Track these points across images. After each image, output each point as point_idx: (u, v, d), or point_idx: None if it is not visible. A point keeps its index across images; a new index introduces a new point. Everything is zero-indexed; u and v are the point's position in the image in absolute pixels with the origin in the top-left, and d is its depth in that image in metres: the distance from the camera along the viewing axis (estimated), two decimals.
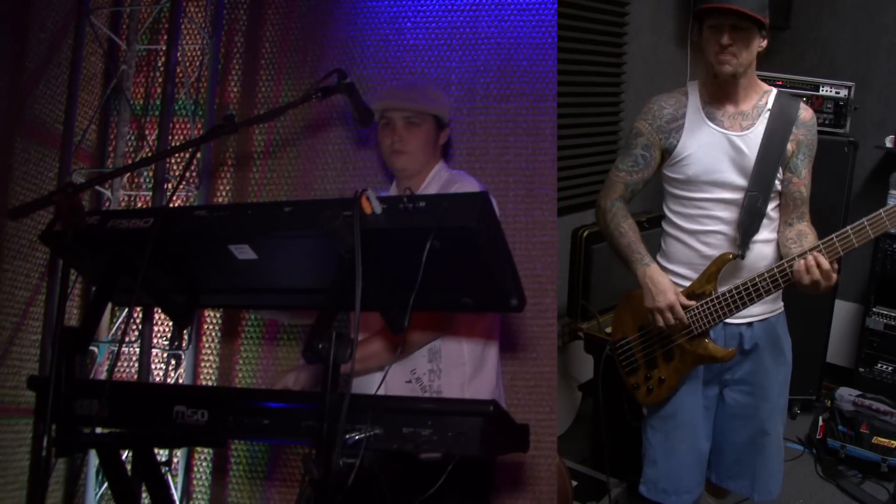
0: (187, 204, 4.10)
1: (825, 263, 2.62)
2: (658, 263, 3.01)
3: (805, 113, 2.88)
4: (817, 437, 4.59)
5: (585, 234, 3.97)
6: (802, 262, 2.65)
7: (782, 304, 3.05)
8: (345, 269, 2.16)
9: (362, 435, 2.15)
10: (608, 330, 3.78)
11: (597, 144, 4.66)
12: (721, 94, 2.88)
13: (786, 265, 2.71)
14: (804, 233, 2.90)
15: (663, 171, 3.00)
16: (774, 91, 2.92)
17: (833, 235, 2.66)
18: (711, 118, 2.87)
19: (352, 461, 2.07)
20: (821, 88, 4.69)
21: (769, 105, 2.85)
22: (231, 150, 4.32)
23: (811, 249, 2.67)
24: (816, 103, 4.67)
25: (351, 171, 4.14)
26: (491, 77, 4.08)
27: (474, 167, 4.00)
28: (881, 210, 2.65)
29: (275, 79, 4.34)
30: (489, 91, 4.08)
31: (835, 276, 2.66)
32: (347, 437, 2.12)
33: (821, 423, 4.61)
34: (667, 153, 2.93)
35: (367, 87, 4.09)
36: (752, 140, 2.84)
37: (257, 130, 4.30)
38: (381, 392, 3.15)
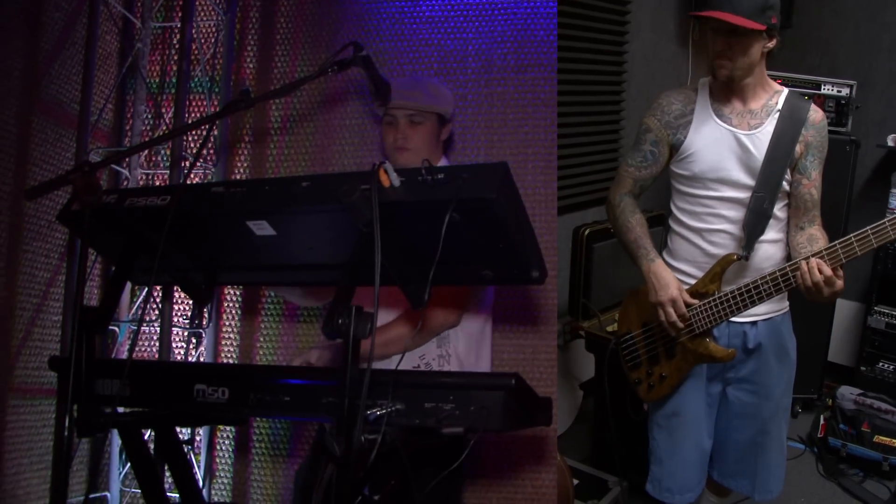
0: (205, 181, 4.07)
1: (827, 270, 2.60)
2: (663, 260, 3.00)
3: (815, 114, 2.86)
4: (819, 435, 4.58)
5: (587, 232, 3.95)
6: (804, 264, 2.63)
7: (787, 303, 3.03)
8: (363, 243, 2.14)
9: (384, 410, 2.13)
10: (610, 329, 3.81)
11: (598, 143, 4.66)
12: (728, 92, 2.86)
13: (788, 269, 2.70)
14: (815, 237, 2.86)
15: (670, 167, 2.99)
16: (786, 91, 2.89)
17: (836, 242, 2.64)
18: (720, 115, 2.86)
19: (373, 437, 2.06)
20: (822, 87, 4.70)
21: (779, 105, 2.83)
22: (248, 126, 4.30)
23: (814, 255, 2.64)
24: (818, 102, 4.66)
25: (368, 146, 4.11)
26: (508, 48, 4.04)
27: (492, 139, 3.98)
28: (885, 220, 2.62)
29: (290, 54, 4.31)
30: (507, 62, 4.04)
31: (839, 282, 2.63)
32: (369, 412, 2.10)
33: (822, 421, 4.60)
34: (674, 149, 2.92)
35: (384, 61, 4.07)
36: (759, 139, 2.82)
37: (274, 106, 4.27)
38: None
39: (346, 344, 1.99)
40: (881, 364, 4.97)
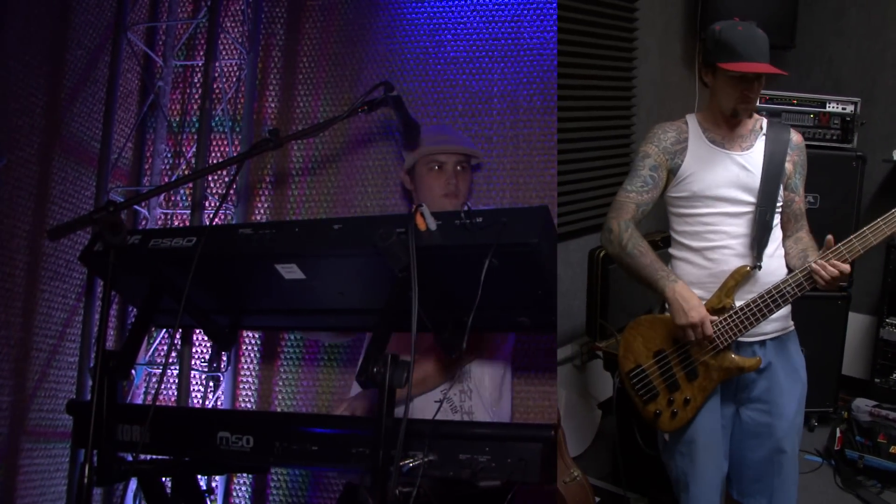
0: (226, 223, 4.01)
1: (839, 268, 2.71)
2: None
3: (796, 137, 3.01)
4: (835, 448, 4.58)
5: (602, 254, 3.95)
6: (820, 263, 2.73)
7: (793, 322, 3.04)
8: (398, 288, 2.08)
9: (418, 462, 2.05)
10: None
11: (609, 167, 4.68)
12: (721, 122, 2.96)
13: (807, 267, 2.77)
14: (800, 237, 3.01)
15: (667, 195, 3.01)
16: (765, 119, 3.02)
17: (852, 237, 2.75)
18: (713, 142, 2.94)
19: (408, 489, 1.98)
20: (827, 105, 4.72)
21: (764, 130, 2.96)
22: (269, 167, 4.25)
23: (831, 251, 2.74)
24: (823, 120, 4.70)
25: (391, 188, 4.05)
26: (534, 89, 4.00)
27: (518, 182, 3.93)
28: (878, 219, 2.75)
29: (313, 94, 4.27)
30: (532, 103, 3.99)
31: (846, 267, 2.73)
32: (402, 463, 2.02)
33: (838, 434, 4.59)
34: (672, 174, 2.96)
35: (408, 102, 3.93)
36: (753, 158, 2.91)
37: (296, 147, 4.23)
38: (411, 414, 3.10)
39: (381, 393, 1.91)
40: (895, 375, 4.98)
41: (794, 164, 2.97)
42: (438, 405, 2.94)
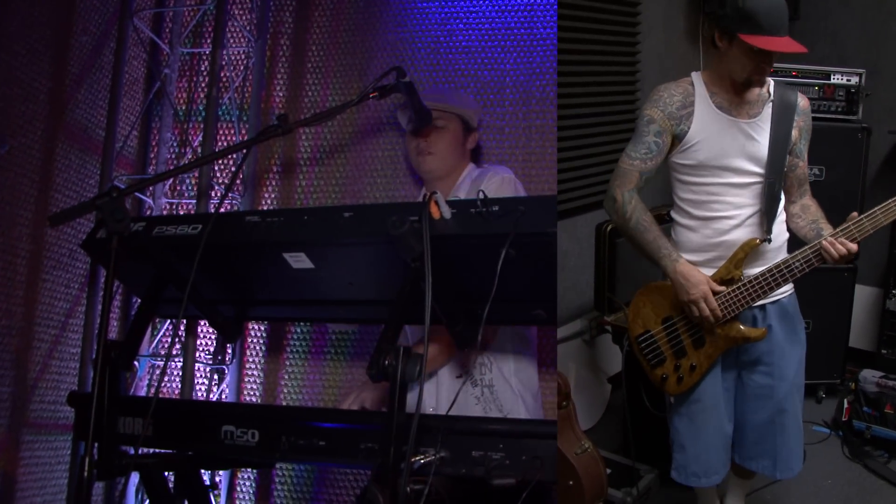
0: (233, 211, 3.94)
1: (848, 248, 2.70)
2: None
3: (803, 101, 2.93)
4: (843, 419, 4.55)
5: (609, 228, 3.90)
6: (829, 240, 2.72)
7: (792, 285, 3.01)
8: (410, 279, 2.01)
9: (430, 458, 1.98)
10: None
11: (614, 143, 4.58)
12: (728, 85, 2.87)
13: (818, 244, 2.75)
14: (807, 205, 2.98)
15: (671, 159, 2.94)
16: (772, 82, 2.92)
17: (863, 216, 2.72)
18: (720, 107, 2.86)
19: (419, 487, 1.91)
20: (832, 77, 4.68)
21: (772, 95, 2.88)
22: (276, 156, 4.19)
23: (841, 230, 2.74)
24: (828, 91, 4.67)
25: (401, 179, 3.99)
26: (547, 80, 3.93)
27: (531, 173, 3.87)
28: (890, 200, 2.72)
29: (322, 83, 4.20)
30: (545, 94, 3.92)
31: (854, 246, 2.72)
32: (413, 460, 1.95)
33: (846, 405, 4.56)
34: (677, 139, 2.88)
35: (419, 91, 3.94)
36: (760, 126, 2.85)
37: (303, 136, 4.16)
38: (433, 391, 3.04)
39: (392, 387, 1.84)
40: None
41: (799, 129, 2.92)
42: (461, 378, 2.96)
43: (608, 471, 3.45)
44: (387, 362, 1.83)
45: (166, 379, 4.05)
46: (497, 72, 3.99)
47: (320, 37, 4.26)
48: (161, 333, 4.05)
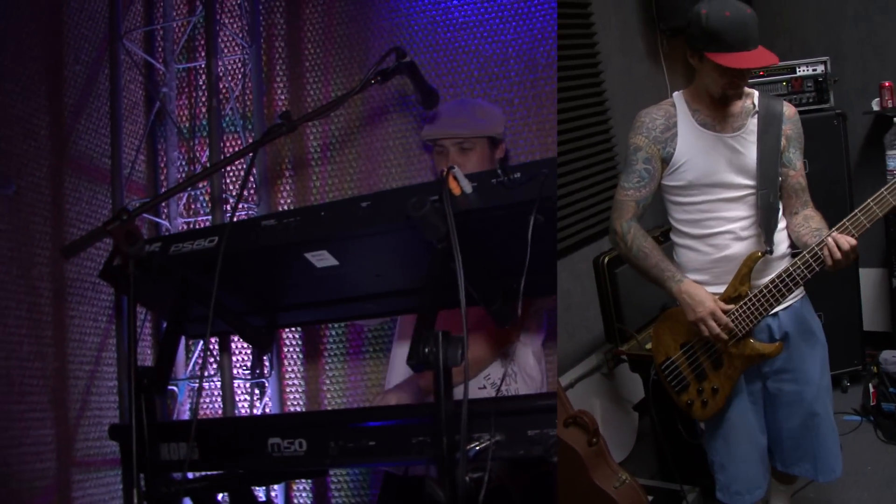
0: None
1: (848, 242, 2.62)
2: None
3: (789, 109, 2.89)
4: (871, 404, 4.54)
5: (606, 260, 3.92)
6: (831, 240, 2.63)
7: (802, 288, 2.96)
8: (438, 261, 1.92)
9: (485, 444, 1.90)
10: (648, 346, 3.73)
11: (596, 174, 4.62)
12: (709, 101, 2.84)
13: (816, 249, 2.68)
14: (809, 216, 2.91)
15: (662, 182, 2.94)
16: (756, 92, 2.90)
17: (856, 210, 2.65)
18: (703, 124, 2.84)
19: (479, 475, 1.82)
20: (798, 70, 4.67)
21: (756, 106, 2.84)
22: (286, 159, 4.13)
23: (836, 228, 2.66)
24: (796, 85, 4.67)
25: (416, 165, 3.92)
26: (551, 45, 3.84)
27: (546, 142, 3.79)
28: (882, 189, 2.63)
29: (322, 79, 4.13)
30: (550, 59, 3.84)
31: (853, 240, 2.65)
32: (469, 447, 1.87)
33: (872, 389, 4.56)
34: (665, 162, 2.88)
35: (424, 75, 3.86)
36: (745, 139, 2.81)
37: (311, 135, 4.10)
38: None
39: (436, 375, 1.75)
40: None
41: (787, 137, 2.86)
42: (484, 389, 2.88)
43: (650, 498, 3.48)
44: (427, 350, 1.75)
45: (208, 400, 4.01)
46: (498, 43, 3.91)
47: (315, 33, 4.20)
48: (196, 355, 4.01)
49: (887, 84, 4.75)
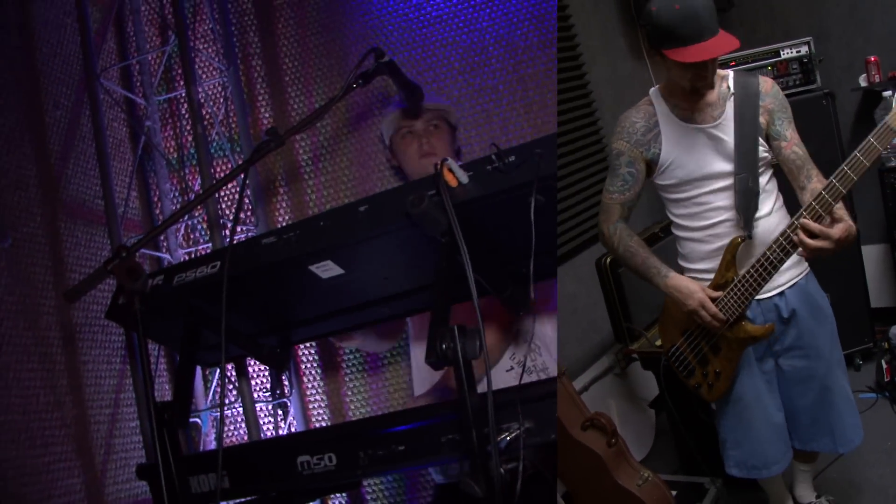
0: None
1: (813, 226, 2.56)
2: (680, 266, 3.03)
3: (765, 84, 2.84)
4: (886, 380, 4.52)
5: (608, 260, 3.93)
6: (799, 233, 2.59)
7: (807, 265, 2.99)
8: (444, 255, 1.89)
9: (515, 433, 1.87)
10: (658, 343, 3.79)
11: (590, 175, 4.62)
12: (686, 93, 2.82)
13: (788, 231, 2.65)
14: (816, 191, 2.74)
15: (654, 181, 2.96)
16: (731, 73, 2.87)
17: (821, 190, 2.57)
18: (684, 119, 2.83)
19: (513, 465, 1.79)
20: (782, 52, 4.63)
21: (732, 88, 2.83)
22: (279, 175, 4.11)
23: (804, 209, 2.60)
24: (781, 68, 4.64)
25: None
26: (528, 26, 3.82)
27: (536, 123, 3.78)
28: (855, 152, 2.55)
29: (304, 92, 4.11)
30: (530, 41, 3.82)
31: (837, 229, 2.56)
32: (499, 439, 1.84)
33: (885, 365, 4.53)
34: (652, 164, 2.89)
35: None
36: (726, 126, 2.81)
37: (301, 149, 4.08)
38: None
39: (457, 370, 1.72)
40: None
41: (769, 111, 2.81)
42: (511, 371, 2.87)
43: (674, 493, 3.47)
44: (444, 346, 1.72)
45: (233, 427, 3.99)
46: (475, 32, 3.89)
47: (290, 47, 4.18)
48: (215, 383, 3.98)
49: (873, 59, 4.72)
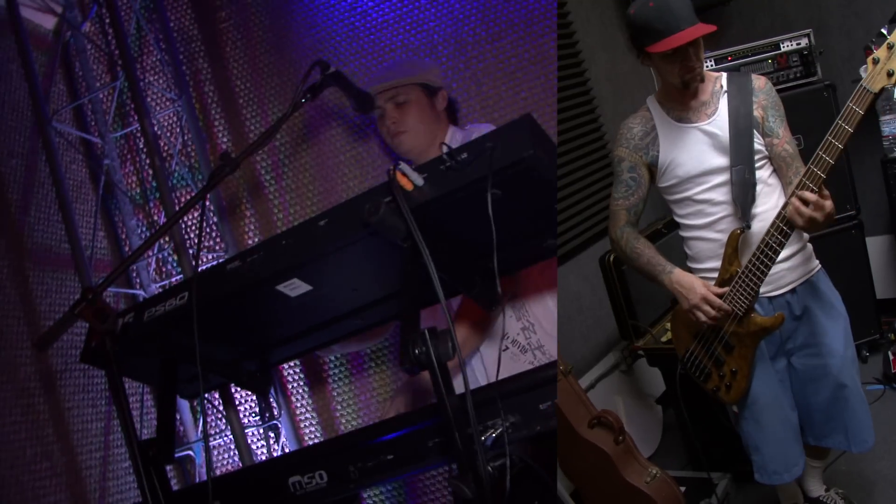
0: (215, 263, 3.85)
1: (810, 196, 2.56)
2: (689, 268, 3.04)
3: (758, 81, 2.90)
4: (892, 371, 4.51)
5: (611, 258, 3.95)
6: (792, 202, 2.60)
7: (818, 262, 3.01)
8: (409, 261, 1.88)
9: (500, 429, 1.86)
10: (664, 339, 3.92)
11: (592, 173, 4.65)
12: (679, 95, 2.88)
13: (783, 212, 2.66)
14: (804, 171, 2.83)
15: (658, 185, 3.00)
16: (724, 74, 2.93)
17: (809, 164, 2.59)
18: (679, 119, 2.88)
19: (500, 462, 1.79)
20: (782, 45, 4.59)
21: (725, 87, 2.88)
22: (243, 198, 4.08)
23: (796, 187, 2.61)
24: (782, 61, 4.61)
25: (373, 172, 3.86)
26: (475, 21, 3.78)
27: (493, 117, 3.73)
28: (837, 119, 2.60)
29: (260, 112, 4.09)
30: (478, 36, 3.79)
31: (828, 202, 2.58)
32: (484, 437, 1.83)
33: (891, 357, 4.52)
34: (653, 166, 2.94)
35: (358, 83, 3.78)
36: (720, 121, 2.86)
37: (262, 169, 4.06)
38: (483, 372, 2.95)
39: (433, 373, 1.71)
40: None
41: (762, 107, 2.85)
42: (507, 350, 2.91)
43: (682, 489, 3.49)
44: (417, 351, 1.71)
45: (226, 455, 3.96)
46: (423, 33, 3.85)
47: (241, 69, 4.16)
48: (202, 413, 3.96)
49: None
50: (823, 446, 3.19)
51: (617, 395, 4.35)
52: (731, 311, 2.80)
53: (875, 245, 5.04)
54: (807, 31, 4.57)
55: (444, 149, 1.87)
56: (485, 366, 2.98)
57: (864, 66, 4.63)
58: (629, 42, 2.77)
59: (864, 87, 2.56)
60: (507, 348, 2.90)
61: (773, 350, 2.98)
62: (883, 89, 2.59)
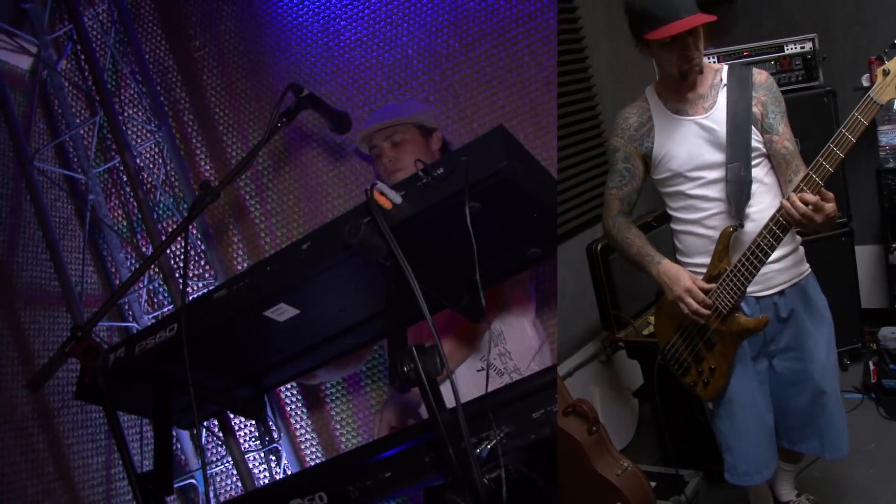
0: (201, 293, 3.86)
1: (810, 197, 2.55)
2: (678, 262, 3.02)
3: (759, 76, 2.85)
4: (872, 381, 4.53)
5: (599, 247, 3.95)
6: (786, 201, 2.59)
7: (808, 266, 3.00)
8: (392, 279, 1.89)
9: (494, 440, 1.87)
10: (646, 332, 3.91)
11: (587, 160, 4.63)
12: (678, 87, 2.86)
13: (777, 214, 2.65)
14: (804, 172, 2.80)
15: (652, 177, 3.00)
16: (725, 66, 2.90)
17: (808, 170, 2.58)
18: (676, 111, 2.86)
19: (496, 473, 1.80)
20: (786, 48, 4.61)
21: (724, 80, 2.85)
22: (230, 225, 4.09)
23: (793, 190, 2.61)
24: (785, 63, 4.62)
25: (356, 191, 3.88)
26: (449, 32, 3.82)
27: (472, 127, 3.76)
28: (840, 128, 2.56)
29: (240, 138, 4.11)
30: (451, 49, 3.82)
31: (829, 205, 2.57)
32: (478, 450, 1.84)
33: (872, 367, 4.55)
34: (647, 157, 2.93)
35: (335, 103, 3.83)
36: (718, 116, 2.83)
37: (247, 195, 4.07)
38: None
39: (423, 389, 1.72)
40: None
41: (762, 104, 2.82)
42: (482, 371, 2.89)
43: (653, 484, 3.49)
44: (406, 368, 1.72)
45: (229, 481, 3.96)
46: (397, 49, 3.89)
47: (218, 96, 4.18)
48: (204, 441, 3.96)
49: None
50: (798, 451, 3.20)
51: (594, 385, 4.34)
52: (713, 306, 2.80)
53: (863, 254, 5.04)
54: (812, 35, 4.58)
55: (420, 165, 1.88)
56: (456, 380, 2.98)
57: (866, 74, 4.72)
58: (630, 32, 2.74)
59: (872, 98, 2.54)
60: (482, 369, 2.91)
61: (756, 350, 2.97)
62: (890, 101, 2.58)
